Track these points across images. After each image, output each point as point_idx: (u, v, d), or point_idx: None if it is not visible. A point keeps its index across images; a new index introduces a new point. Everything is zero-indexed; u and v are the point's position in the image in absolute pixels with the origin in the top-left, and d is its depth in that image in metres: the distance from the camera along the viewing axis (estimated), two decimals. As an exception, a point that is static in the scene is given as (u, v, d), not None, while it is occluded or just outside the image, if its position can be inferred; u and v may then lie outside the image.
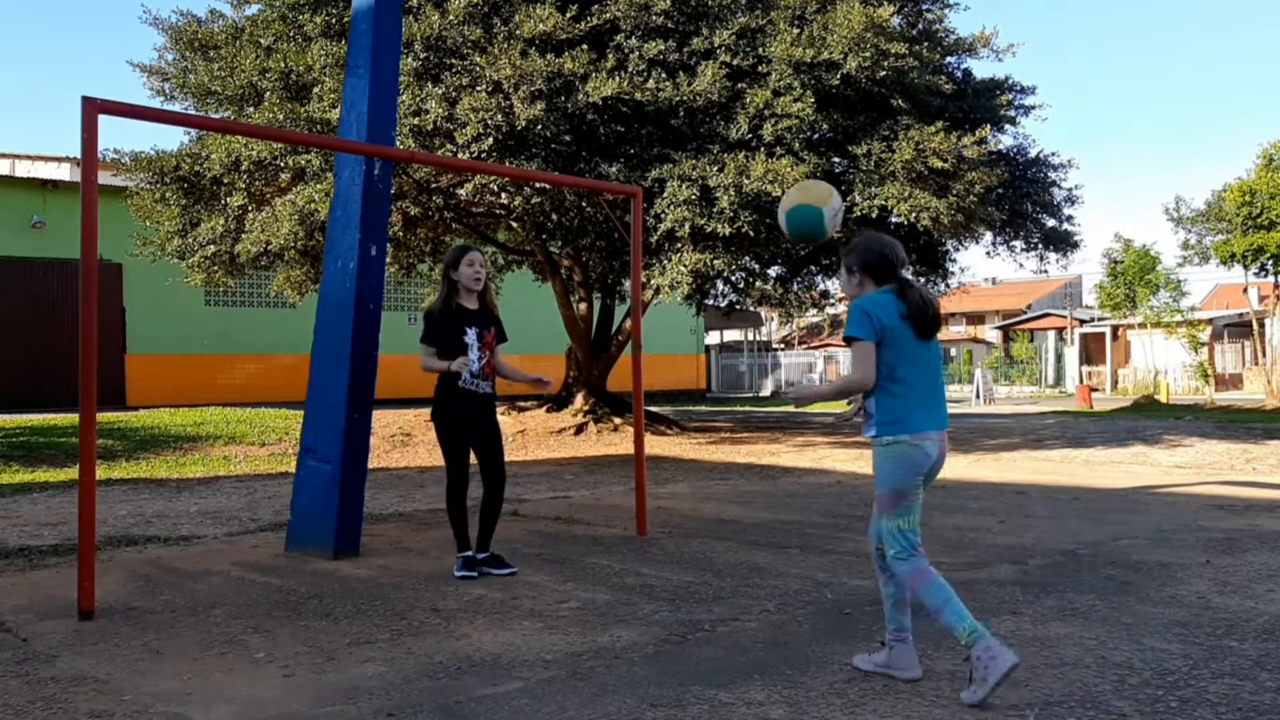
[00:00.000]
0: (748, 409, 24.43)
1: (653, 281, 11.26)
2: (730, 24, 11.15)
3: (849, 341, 3.45)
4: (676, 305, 14.93)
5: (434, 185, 12.01)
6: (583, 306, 15.65)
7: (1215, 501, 7.91)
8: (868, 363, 3.43)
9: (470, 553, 5.28)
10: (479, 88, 10.56)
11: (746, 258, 13.83)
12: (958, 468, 10.91)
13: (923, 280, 15.76)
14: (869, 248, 3.62)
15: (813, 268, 15.99)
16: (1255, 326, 28.05)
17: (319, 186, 10.97)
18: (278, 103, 11.08)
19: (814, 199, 3.85)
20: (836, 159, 12.29)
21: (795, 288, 17.25)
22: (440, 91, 10.65)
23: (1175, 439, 13.61)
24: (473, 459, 5.32)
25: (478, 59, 10.53)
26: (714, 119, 11.22)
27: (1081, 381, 34.56)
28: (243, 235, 12.14)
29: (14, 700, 3.33)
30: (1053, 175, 14.15)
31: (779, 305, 18.98)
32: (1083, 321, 41.56)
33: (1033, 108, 13.77)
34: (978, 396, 29.05)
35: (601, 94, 10.40)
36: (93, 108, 4.45)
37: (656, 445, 13.31)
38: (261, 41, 11.98)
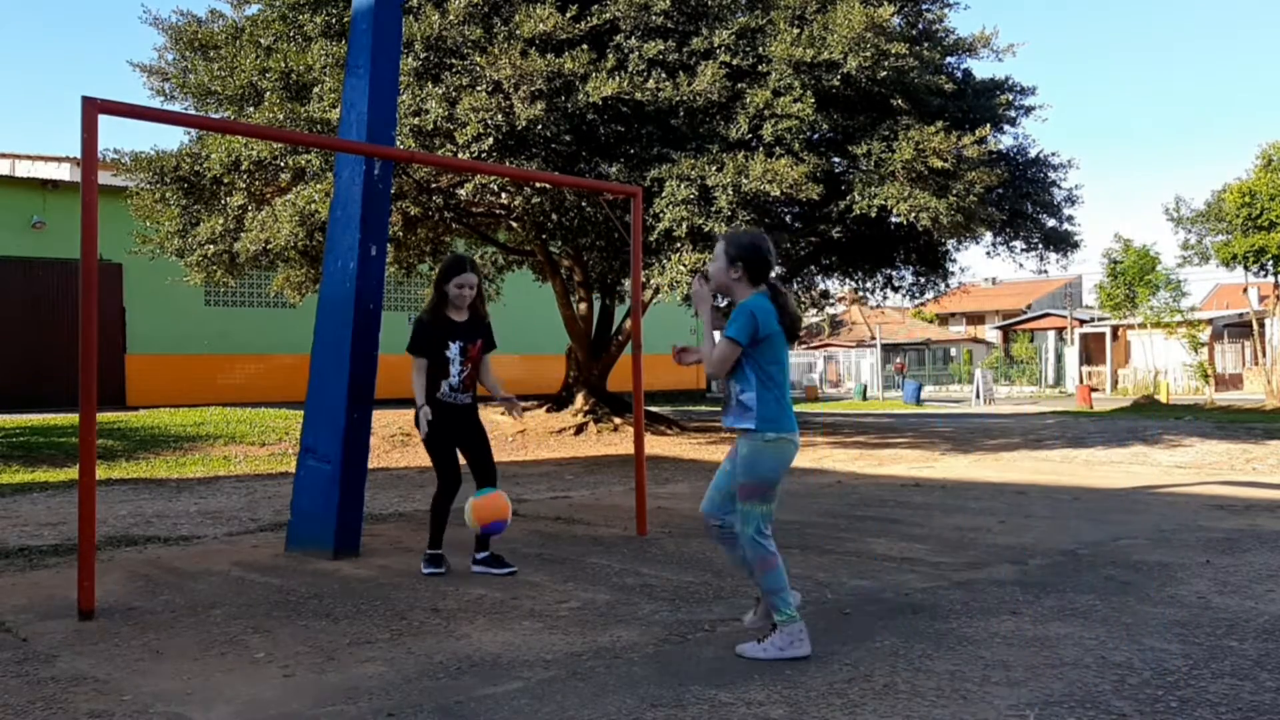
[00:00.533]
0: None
1: (652, 281, 11.26)
2: (730, 24, 11.15)
3: (725, 336, 3.68)
4: (676, 305, 14.91)
5: (434, 185, 12.02)
6: (583, 306, 15.64)
7: (1215, 501, 7.91)
8: (727, 363, 3.72)
9: (440, 551, 5.34)
10: (479, 88, 10.56)
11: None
12: (957, 468, 10.91)
13: (922, 280, 15.80)
14: (755, 243, 3.80)
15: (812, 268, 15.98)
16: (1255, 326, 28.06)
17: (319, 186, 10.97)
18: (278, 103, 11.08)
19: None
20: (836, 159, 12.28)
21: (794, 287, 17.22)
22: (440, 91, 10.65)
23: (1175, 439, 13.61)
24: (464, 461, 5.35)
25: (478, 59, 10.53)
26: (714, 119, 11.22)
27: (1081, 381, 34.55)
28: (242, 235, 12.14)
29: (14, 700, 3.33)
30: (1053, 175, 14.16)
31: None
32: (1083, 321, 41.57)
33: (1033, 108, 13.80)
34: (978, 396, 29.05)
35: (601, 94, 10.40)
36: (93, 108, 4.45)
37: (656, 445, 13.31)
38: (261, 41, 11.98)
